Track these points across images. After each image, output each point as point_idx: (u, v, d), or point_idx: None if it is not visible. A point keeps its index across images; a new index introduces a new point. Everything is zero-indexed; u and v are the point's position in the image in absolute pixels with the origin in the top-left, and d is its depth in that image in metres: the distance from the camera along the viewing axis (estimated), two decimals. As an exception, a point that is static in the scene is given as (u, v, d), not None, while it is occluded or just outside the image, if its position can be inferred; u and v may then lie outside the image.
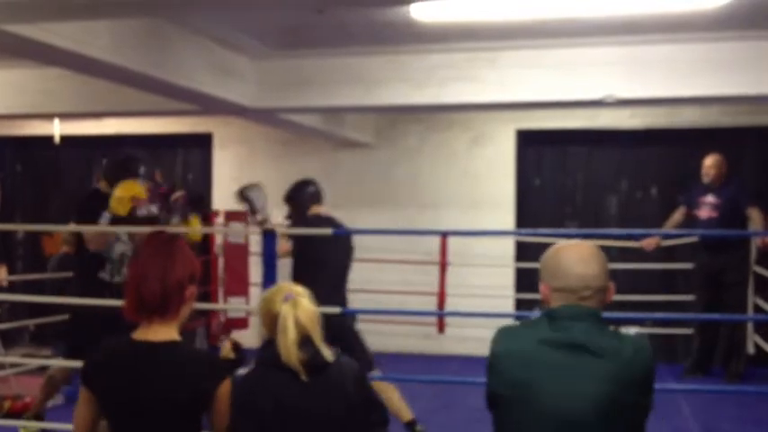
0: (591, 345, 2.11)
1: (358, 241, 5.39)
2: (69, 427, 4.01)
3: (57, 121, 8.65)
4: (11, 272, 8.10)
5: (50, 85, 6.51)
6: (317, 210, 5.23)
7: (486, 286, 7.98)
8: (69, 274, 6.54)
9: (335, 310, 4.40)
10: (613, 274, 2.28)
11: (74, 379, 5.46)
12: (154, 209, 8.70)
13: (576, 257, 2.23)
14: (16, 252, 9.65)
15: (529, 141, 8.54)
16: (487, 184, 8.46)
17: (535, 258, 8.47)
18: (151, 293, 2.32)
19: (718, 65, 5.56)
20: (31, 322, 7.04)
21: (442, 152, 8.63)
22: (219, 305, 7.85)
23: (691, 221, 6.98)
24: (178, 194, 9.09)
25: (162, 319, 2.35)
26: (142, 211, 6.77)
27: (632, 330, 2.20)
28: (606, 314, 2.23)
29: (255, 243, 7.12)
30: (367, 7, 4.78)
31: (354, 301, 5.49)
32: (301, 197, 5.24)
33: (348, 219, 5.63)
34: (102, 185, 5.16)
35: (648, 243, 6.92)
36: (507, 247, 8.35)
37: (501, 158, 8.48)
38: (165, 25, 5.11)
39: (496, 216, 8.31)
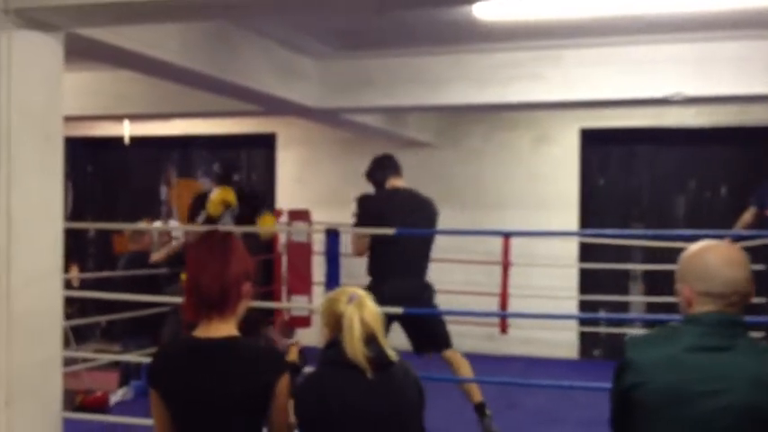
0: (739, 352, 2.06)
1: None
2: (138, 421, 4.12)
3: (126, 122, 8.87)
4: (82, 270, 8.35)
5: (121, 88, 6.69)
6: (394, 183, 5.21)
7: (549, 287, 7.91)
8: (138, 271, 6.71)
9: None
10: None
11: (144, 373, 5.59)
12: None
13: (724, 260, 2.12)
14: (87, 250, 9.92)
15: (593, 140, 8.42)
16: (551, 184, 8.38)
17: (599, 259, 8.36)
18: (209, 291, 2.37)
19: (791, 61, 5.42)
20: (102, 319, 7.23)
21: (505, 152, 8.57)
22: (283, 303, 7.94)
23: (762, 222, 6.80)
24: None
25: (221, 317, 2.40)
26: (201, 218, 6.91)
27: None
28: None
29: (319, 242, 7.18)
30: (429, 7, 4.77)
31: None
32: (377, 172, 5.25)
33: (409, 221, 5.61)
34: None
35: None
36: (571, 247, 8.26)
37: (565, 158, 8.39)
38: (230, 28, 5.20)
39: (560, 216, 8.22)
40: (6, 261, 3.07)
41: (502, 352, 8.04)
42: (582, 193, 8.41)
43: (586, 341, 8.35)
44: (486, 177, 8.57)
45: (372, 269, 5.10)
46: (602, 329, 8.27)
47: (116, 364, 6.36)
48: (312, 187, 9.03)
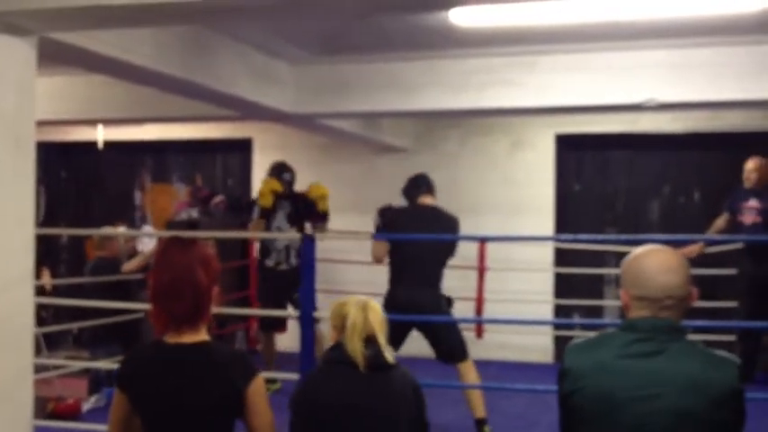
0: (672, 356, 2.08)
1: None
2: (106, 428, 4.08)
3: (100, 126, 8.80)
4: (54, 275, 8.26)
5: (95, 92, 6.64)
6: (423, 200, 5.43)
7: (524, 291, 7.93)
8: (110, 277, 6.64)
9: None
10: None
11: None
12: (194, 213, 8.86)
13: (658, 265, 2.14)
14: (60, 256, 9.82)
15: (568, 146, 8.47)
16: (527, 189, 8.41)
17: (574, 264, 8.44)
18: (180, 310, 2.35)
19: (762, 68, 5.48)
20: (73, 326, 7.15)
21: (480, 157, 8.60)
22: (258, 310, 7.89)
23: (735, 227, 6.87)
24: (218, 199, 9.22)
25: (192, 327, 2.38)
26: (182, 216, 7.15)
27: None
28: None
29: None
30: (406, 12, 4.79)
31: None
32: (410, 190, 5.51)
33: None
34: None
35: (690, 250, 6.79)
36: (546, 252, 8.30)
37: (540, 163, 8.43)
38: (205, 33, 5.18)
39: (536, 221, 8.26)
40: (-24, 267, 3.03)
41: (477, 356, 8.01)
42: (557, 198, 8.46)
43: (561, 345, 8.39)
44: (462, 182, 8.58)
45: (390, 277, 5.31)
46: (577, 333, 8.31)
47: (86, 371, 6.29)
48: (288, 192, 8.99)
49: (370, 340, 2.58)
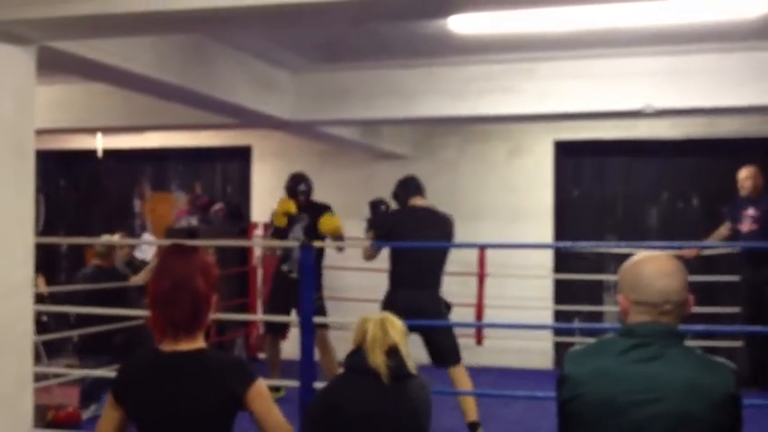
0: (671, 361, 2.09)
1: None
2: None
3: (99, 135, 8.81)
4: (53, 283, 8.26)
5: (94, 100, 6.64)
6: (414, 202, 5.45)
7: (524, 297, 7.94)
8: (108, 285, 6.62)
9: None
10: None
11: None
12: (194, 221, 8.87)
13: (657, 270, 2.18)
14: (60, 264, 9.82)
15: (567, 152, 8.49)
16: (526, 195, 8.43)
17: (574, 269, 8.42)
18: (179, 317, 2.35)
19: (759, 74, 5.50)
20: (73, 333, 7.14)
21: (480, 164, 8.62)
22: (258, 316, 7.90)
23: (736, 236, 6.89)
24: (217, 207, 9.23)
25: (189, 335, 2.39)
26: (181, 223, 7.14)
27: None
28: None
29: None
30: (404, 20, 4.80)
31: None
32: (400, 193, 5.52)
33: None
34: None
35: (689, 252, 6.84)
36: (546, 258, 8.31)
37: (539, 169, 8.45)
38: (205, 41, 5.19)
39: (535, 227, 8.27)
40: (-23, 276, 3.04)
41: (477, 363, 8.03)
42: (556, 204, 8.47)
43: (561, 351, 8.38)
44: (462, 189, 8.59)
45: (389, 279, 5.35)
46: (577, 339, 8.31)
47: (81, 380, 6.26)
48: (287, 200, 9.00)
49: (392, 351, 2.67)
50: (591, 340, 2.28)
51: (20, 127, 3.27)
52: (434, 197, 8.60)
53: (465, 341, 7.40)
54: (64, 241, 9.43)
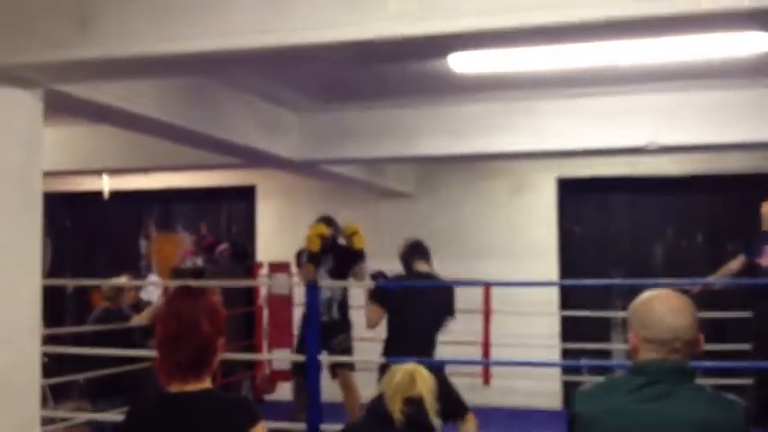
0: (682, 399, 2.09)
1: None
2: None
3: (105, 176, 8.86)
4: (60, 325, 8.23)
5: (100, 142, 6.70)
6: (419, 267, 5.35)
7: (530, 335, 7.89)
8: (114, 326, 6.60)
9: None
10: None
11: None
12: (199, 261, 8.87)
13: (667, 308, 2.18)
14: (66, 306, 9.80)
15: (570, 189, 8.51)
16: (530, 232, 8.43)
17: (579, 306, 8.34)
18: (187, 359, 2.35)
19: (760, 110, 5.53)
20: (80, 377, 7.11)
21: (483, 201, 8.63)
22: (264, 356, 7.87)
23: (753, 270, 6.78)
24: (222, 247, 9.23)
25: (196, 377, 2.38)
26: (187, 264, 7.12)
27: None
28: None
29: (300, 294, 7.14)
30: (405, 60, 4.85)
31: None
32: (407, 256, 5.44)
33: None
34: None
35: (696, 288, 6.74)
36: (552, 295, 8.28)
37: (542, 207, 8.46)
38: (210, 83, 5.25)
39: (540, 264, 8.25)
40: (-17, 318, 3.04)
41: (485, 403, 7.96)
42: (560, 240, 8.47)
43: (570, 391, 8.31)
44: (466, 226, 8.60)
45: (386, 340, 5.25)
46: (586, 378, 8.24)
47: (89, 424, 6.22)
48: (293, 239, 9.01)
49: (414, 401, 2.73)
50: (599, 379, 2.28)
51: (28, 170, 3.30)
52: (438, 235, 8.66)
53: (472, 381, 7.37)
54: (70, 283, 9.43)
